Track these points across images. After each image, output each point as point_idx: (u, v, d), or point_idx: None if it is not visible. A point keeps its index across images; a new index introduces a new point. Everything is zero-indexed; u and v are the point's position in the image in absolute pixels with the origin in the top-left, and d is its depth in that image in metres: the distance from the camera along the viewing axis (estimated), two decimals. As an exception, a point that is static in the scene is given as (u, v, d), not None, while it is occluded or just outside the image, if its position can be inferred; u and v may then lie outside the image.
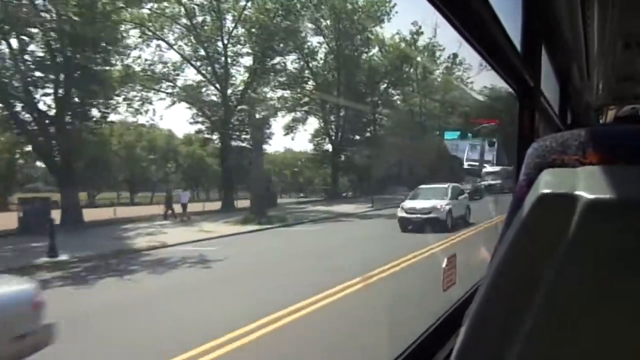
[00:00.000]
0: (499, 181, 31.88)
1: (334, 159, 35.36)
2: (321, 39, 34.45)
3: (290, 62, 33.42)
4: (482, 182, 32.00)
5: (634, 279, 0.43)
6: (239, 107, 29.98)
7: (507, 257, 0.47)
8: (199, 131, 32.01)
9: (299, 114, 36.46)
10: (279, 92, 35.26)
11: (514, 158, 2.02)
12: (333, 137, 35.86)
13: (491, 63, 1.49)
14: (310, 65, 34.75)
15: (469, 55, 33.33)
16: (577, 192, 0.43)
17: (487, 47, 1.35)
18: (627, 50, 2.69)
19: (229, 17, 29.74)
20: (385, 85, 37.51)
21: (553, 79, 3.30)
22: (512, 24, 1.57)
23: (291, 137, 46.13)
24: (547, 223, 0.44)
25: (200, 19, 29.12)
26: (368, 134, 37.18)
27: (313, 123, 38.07)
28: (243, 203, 26.88)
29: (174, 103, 29.74)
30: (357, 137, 36.92)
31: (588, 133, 0.49)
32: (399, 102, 38.68)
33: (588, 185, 0.43)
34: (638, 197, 0.42)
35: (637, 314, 0.43)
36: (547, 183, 0.46)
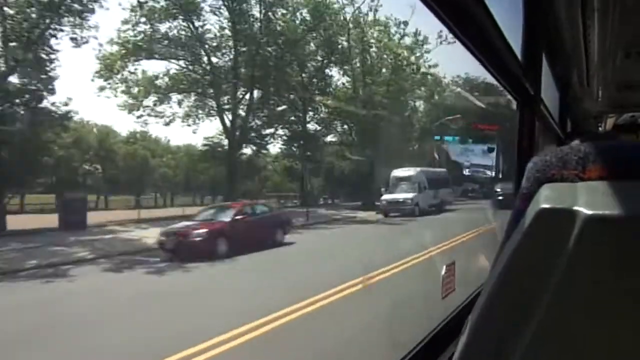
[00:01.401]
0: (411, 195, 20.72)
1: (231, 157, 24.93)
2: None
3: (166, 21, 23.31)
4: (384, 198, 21.26)
5: (633, 294, 0.43)
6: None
7: (507, 271, 0.47)
8: None
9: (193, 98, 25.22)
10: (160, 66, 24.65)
11: (513, 167, 2.02)
12: (230, 129, 25.16)
13: (492, 72, 1.50)
14: (196, 25, 24.00)
15: (430, 27, 25.27)
16: (576, 208, 0.43)
17: (488, 56, 1.36)
18: (628, 59, 2.70)
19: None
20: (319, 62, 27.06)
21: (553, 87, 3.31)
22: (513, 34, 1.58)
23: (192, 130, 35.07)
24: (546, 238, 0.45)
25: None
26: (297, 128, 27.54)
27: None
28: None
29: None
30: (281, 132, 27.92)
31: (587, 148, 0.50)
32: (346, 87, 28.30)
33: (587, 200, 0.44)
34: (637, 213, 0.42)
35: (636, 329, 0.43)
36: (546, 198, 0.46)
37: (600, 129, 5.24)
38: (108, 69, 22.34)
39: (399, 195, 20.68)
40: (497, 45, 1.30)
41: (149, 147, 29.13)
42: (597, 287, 0.44)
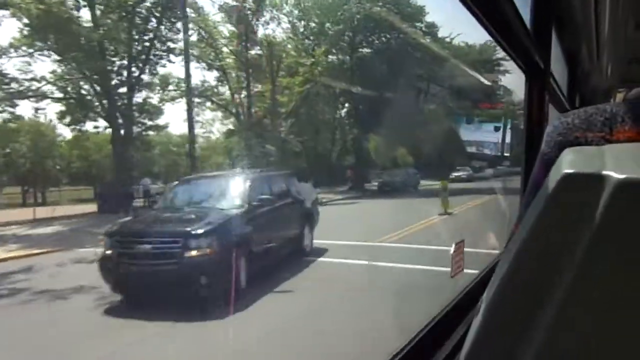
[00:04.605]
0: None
1: None
2: None
3: None
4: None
5: None
6: None
7: (528, 242, 0.45)
8: None
9: None
10: None
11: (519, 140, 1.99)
12: None
13: (502, 43, 1.46)
14: None
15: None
16: (605, 172, 0.40)
17: (499, 27, 1.32)
18: (638, 31, 2.63)
19: None
20: None
21: (562, 61, 3.24)
22: (522, 4, 1.53)
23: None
24: (571, 205, 0.42)
25: None
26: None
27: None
28: None
29: None
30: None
31: (615, 108, 0.47)
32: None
33: (617, 163, 0.41)
34: None
35: None
36: (570, 162, 0.43)
37: None
38: None
39: None
40: (508, 15, 1.25)
41: None
42: (629, 254, 0.41)
